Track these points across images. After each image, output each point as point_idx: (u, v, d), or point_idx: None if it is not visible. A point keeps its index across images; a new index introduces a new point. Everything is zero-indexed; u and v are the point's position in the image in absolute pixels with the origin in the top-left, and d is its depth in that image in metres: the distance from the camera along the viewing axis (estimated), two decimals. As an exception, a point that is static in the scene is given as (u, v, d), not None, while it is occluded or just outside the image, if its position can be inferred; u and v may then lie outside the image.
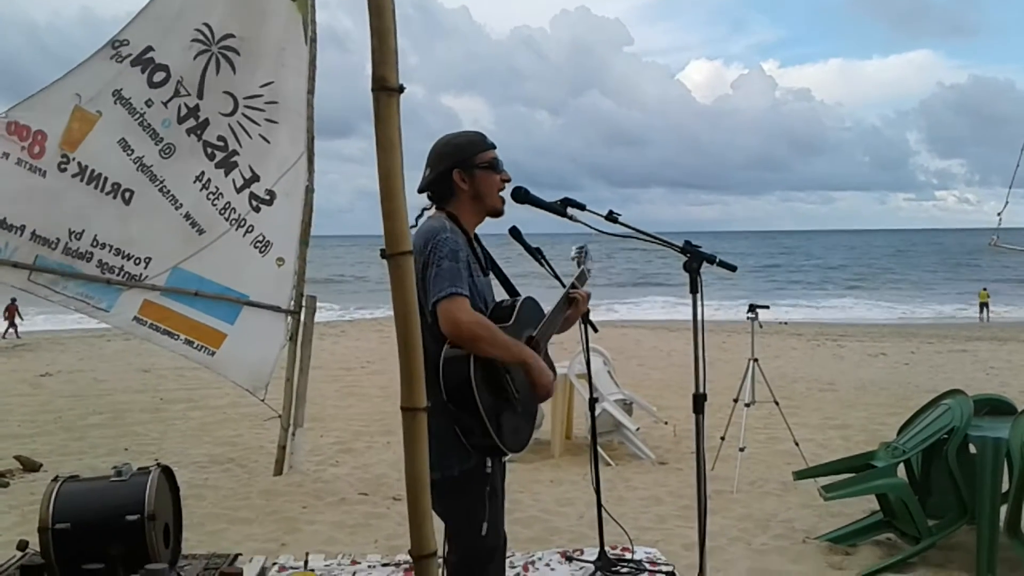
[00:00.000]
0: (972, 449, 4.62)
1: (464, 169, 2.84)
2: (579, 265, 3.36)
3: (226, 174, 6.11)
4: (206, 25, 5.88)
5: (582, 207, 3.02)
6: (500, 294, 3.05)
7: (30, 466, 6.71)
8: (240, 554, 4.73)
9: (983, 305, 32.29)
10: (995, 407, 5.13)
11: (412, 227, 2.86)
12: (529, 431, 2.94)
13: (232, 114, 6.08)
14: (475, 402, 2.60)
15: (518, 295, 3.02)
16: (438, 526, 2.12)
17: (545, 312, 3.04)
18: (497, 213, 2.95)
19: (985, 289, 33.96)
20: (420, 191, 2.93)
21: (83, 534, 3.55)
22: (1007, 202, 10.52)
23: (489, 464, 2.78)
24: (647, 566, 4.48)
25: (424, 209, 2.91)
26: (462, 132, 2.97)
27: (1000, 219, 10.46)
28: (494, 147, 2.92)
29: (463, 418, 2.64)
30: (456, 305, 2.60)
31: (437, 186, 2.88)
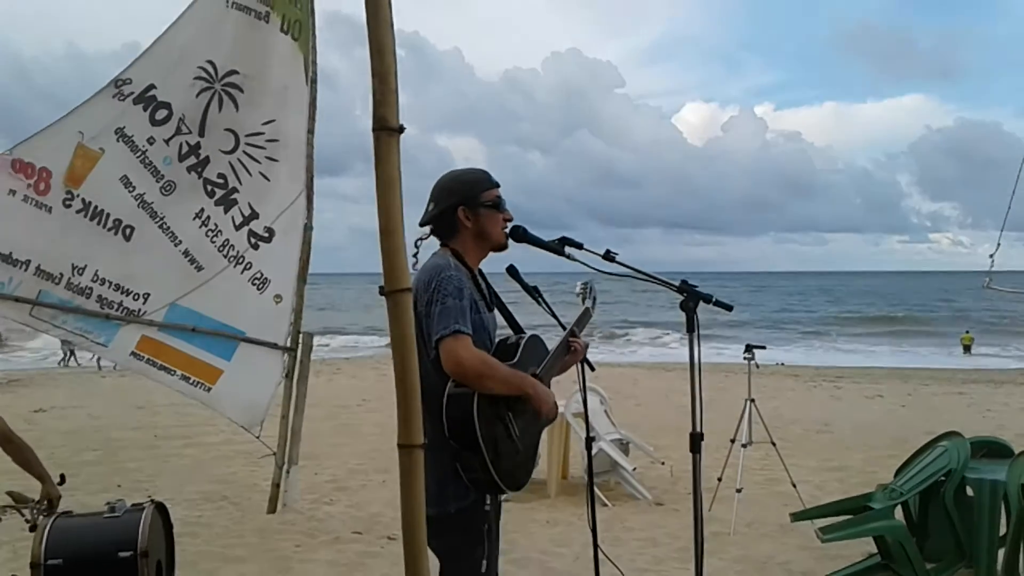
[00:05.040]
0: (969, 491, 4.61)
1: (469, 207, 2.87)
2: (583, 301, 3.37)
3: (225, 211, 6.14)
4: (210, 63, 5.95)
5: (579, 246, 3.04)
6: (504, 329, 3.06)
7: (22, 501, 6.63)
8: (233, 593, 4.69)
9: (966, 347, 34.75)
10: (992, 449, 5.13)
11: (415, 254, 2.88)
12: (528, 471, 2.94)
13: (233, 151, 6.12)
14: (477, 440, 2.60)
15: (522, 331, 3.04)
16: (432, 566, 2.11)
17: (549, 349, 3.05)
18: (501, 248, 2.97)
19: (968, 332, 35.56)
20: (423, 225, 2.94)
21: (75, 571, 3.52)
22: (999, 244, 10.54)
23: (488, 502, 2.78)
24: (643, 608, 4.44)
25: (419, 240, 2.92)
26: (468, 169, 2.99)
27: (992, 261, 10.49)
28: (498, 185, 2.95)
29: (464, 455, 2.65)
30: (459, 344, 2.62)
31: (441, 221, 2.90)
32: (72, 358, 26.08)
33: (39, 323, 5.67)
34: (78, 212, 5.68)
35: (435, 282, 2.70)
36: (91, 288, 5.76)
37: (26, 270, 5.57)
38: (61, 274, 5.67)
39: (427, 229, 2.95)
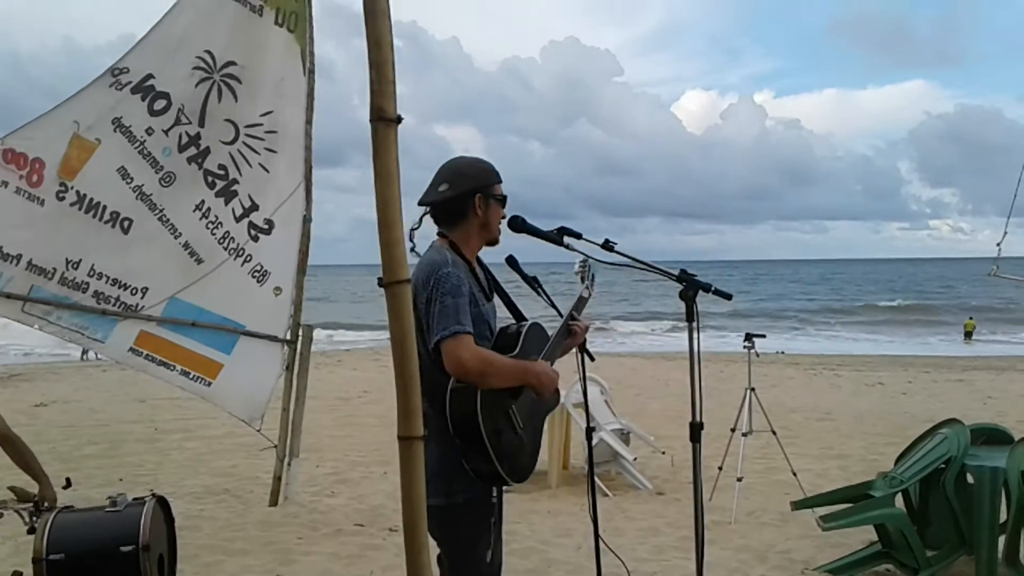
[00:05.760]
0: (970, 479, 4.61)
1: (484, 196, 2.86)
2: (583, 280, 3.35)
3: (226, 203, 6.11)
4: (208, 52, 5.89)
5: (578, 236, 3.04)
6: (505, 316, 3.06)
7: (24, 497, 6.63)
8: (235, 585, 4.70)
9: (968, 333, 34.59)
10: (992, 436, 5.13)
11: (412, 248, 2.83)
12: (532, 462, 2.95)
13: (233, 142, 6.09)
14: (480, 434, 2.61)
15: (524, 318, 3.03)
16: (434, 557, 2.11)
17: (550, 336, 3.05)
18: (494, 243, 2.98)
19: (971, 319, 35.53)
20: (425, 204, 2.87)
21: (77, 565, 3.53)
22: (1006, 231, 10.53)
23: (495, 493, 2.79)
24: (645, 597, 4.44)
25: (413, 228, 2.83)
26: (480, 159, 2.97)
27: (1000, 249, 10.46)
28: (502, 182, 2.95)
29: (468, 449, 2.66)
30: (460, 344, 2.61)
31: (452, 205, 2.85)
32: (88, 352, 25.79)
33: (32, 319, 5.57)
34: (72, 205, 5.59)
35: (433, 280, 2.68)
36: (87, 283, 5.68)
37: (17, 265, 5.47)
38: (54, 269, 5.58)
39: (420, 213, 2.89)
